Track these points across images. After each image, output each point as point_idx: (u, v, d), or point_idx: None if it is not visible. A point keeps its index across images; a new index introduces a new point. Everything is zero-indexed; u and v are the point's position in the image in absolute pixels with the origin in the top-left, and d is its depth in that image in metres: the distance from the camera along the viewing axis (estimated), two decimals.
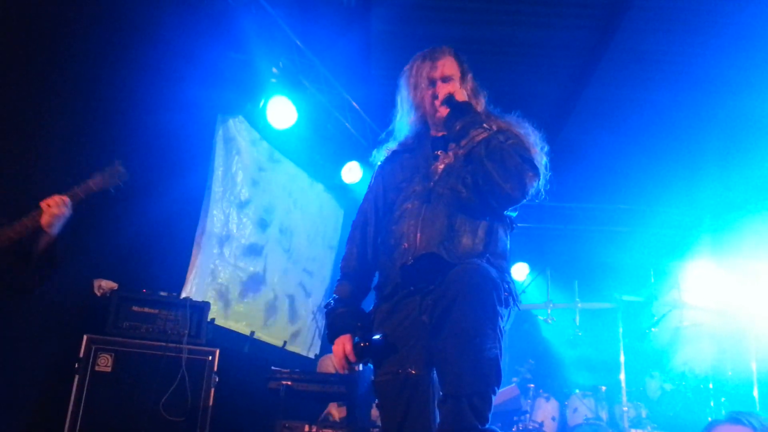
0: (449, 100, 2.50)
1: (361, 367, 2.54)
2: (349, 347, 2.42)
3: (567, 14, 5.42)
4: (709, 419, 4.26)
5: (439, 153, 2.56)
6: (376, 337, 2.41)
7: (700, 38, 5.57)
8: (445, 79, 2.62)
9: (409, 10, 5.44)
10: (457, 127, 2.45)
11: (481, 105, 2.69)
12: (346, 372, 2.48)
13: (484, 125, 2.43)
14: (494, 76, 6.38)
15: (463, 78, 2.67)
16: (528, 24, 5.56)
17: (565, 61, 6.11)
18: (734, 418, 2.66)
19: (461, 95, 2.53)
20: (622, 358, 5.95)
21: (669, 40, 5.62)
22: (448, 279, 2.23)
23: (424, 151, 2.63)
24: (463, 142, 2.42)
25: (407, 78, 2.71)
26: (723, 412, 5.62)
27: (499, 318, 2.23)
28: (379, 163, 2.81)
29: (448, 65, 2.65)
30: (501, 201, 2.42)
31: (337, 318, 2.56)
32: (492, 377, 2.16)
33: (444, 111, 2.53)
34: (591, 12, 5.38)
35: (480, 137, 2.39)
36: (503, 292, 2.28)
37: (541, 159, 2.56)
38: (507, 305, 2.33)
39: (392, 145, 2.78)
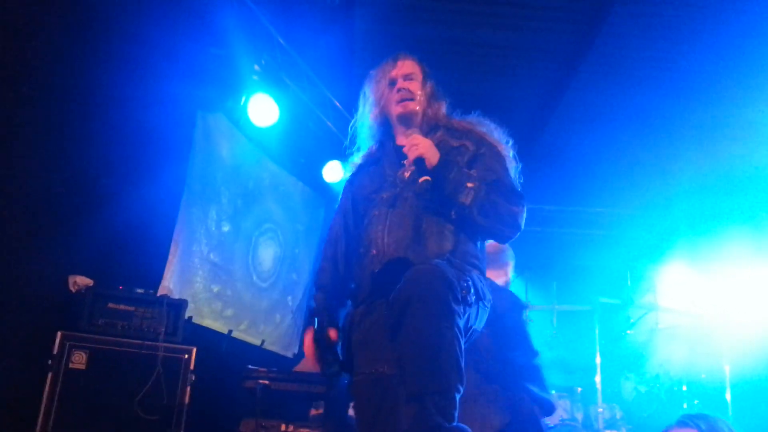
0: (420, 166, 2.44)
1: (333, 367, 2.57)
2: (309, 336, 2.56)
3: (548, 18, 5.44)
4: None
5: (405, 162, 2.57)
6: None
7: (679, 45, 5.63)
8: (407, 77, 2.67)
9: (393, 10, 5.44)
10: (444, 195, 2.45)
11: (441, 109, 2.73)
12: (324, 370, 2.54)
13: (468, 184, 2.43)
14: (475, 79, 6.40)
15: (424, 81, 2.71)
16: (509, 27, 5.58)
17: (546, 65, 6.14)
18: (682, 422, 2.69)
19: (432, 156, 2.46)
20: (598, 360, 6.00)
21: (648, 46, 5.68)
22: (403, 281, 2.24)
23: (389, 159, 2.66)
24: (453, 211, 2.44)
25: (370, 79, 2.79)
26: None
27: (457, 316, 2.20)
28: (347, 178, 2.86)
29: (409, 65, 2.71)
30: (498, 241, 2.62)
31: (310, 320, 2.66)
32: (452, 376, 2.14)
33: (400, 110, 2.63)
34: (572, 16, 5.41)
35: (469, 200, 2.42)
36: (460, 290, 2.26)
37: (509, 153, 2.64)
38: (468, 303, 2.30)
39: (357, 159, 2.82)
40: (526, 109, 6.88)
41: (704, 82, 6.07)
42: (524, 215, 2.51)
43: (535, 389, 3.94)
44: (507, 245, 4.37)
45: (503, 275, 4.42)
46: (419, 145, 2.45)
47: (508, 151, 2.63)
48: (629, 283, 7.48)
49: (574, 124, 7.07)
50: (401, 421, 2.25)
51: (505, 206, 2.45)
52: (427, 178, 2.41)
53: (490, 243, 4.54)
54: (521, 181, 2.67)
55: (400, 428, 2.25)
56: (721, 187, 7.45)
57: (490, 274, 4.29)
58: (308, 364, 2.59)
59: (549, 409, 3.96)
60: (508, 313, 4.08)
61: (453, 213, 2.44)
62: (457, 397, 2.16)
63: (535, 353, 4.10)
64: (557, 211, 8.61)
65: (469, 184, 2.43)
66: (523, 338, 4.11)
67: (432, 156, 2.45)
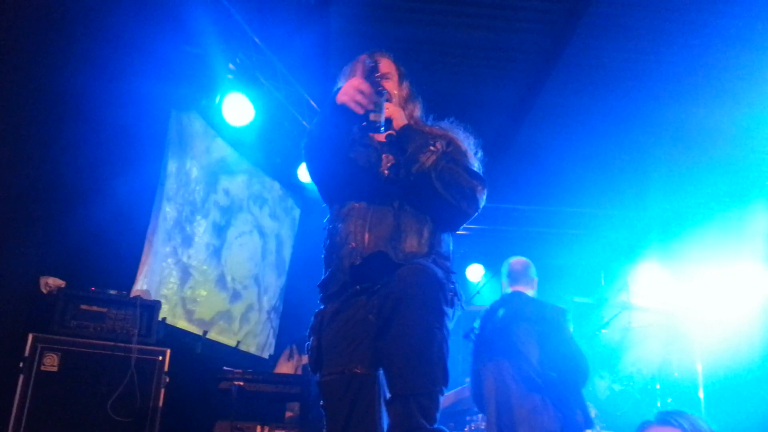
0: (389, 126, 2.51)
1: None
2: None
3: (524, 18, 5.47)
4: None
5: (384, 156, 2.59)
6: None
7: (654, 47, 5.69)
8: (383, 76, 2.63)
9: (369, 10, 5.43)
10: (407, 153, 2.48)
11: (416, 110, 2.74)
12: (373, 98, 2.35)
13: (431, 148, 2.46)
14: (450, 79, 6.42)
15: (400, 80, 2.72)
16: (484, 27, 5.60)
17: (521, 65, 6.17)
18: (664, 420, 2.63)
19: (400, 118, 2.55)
20: None
21: (623, 48, 5.73)
22: (394, 279, 2.25)
23: (371, 149, 2.65)
24: (414, 168, 2.44)
25: (345, 76, 2.74)
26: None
27: (446, 318, 2.25)
28: None
29: (385, 64, 2.69)
30: (457, 219, 2.51)
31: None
32: (439, 377, 2.18)
33: (380, 137, 2.55)
34: (547, 17, 5.45)
35: (430, 161, 2.43)
36: (449, 292, 2.31)
37: (476, 162, 2.64)
38: (452, 305, 2.35)
39: None
40: (502, 109, 6.92)
41: (678, 84, 6.15)
42: (484, 195, 2.50)
43: (579, 398, 4.19)
44: (530, 262, 4.74)
45: (530, 288, 4.65)
46: (389, 108, 2.52)
47: (476, 161, 2.64)
48: (603, 282, 7.57)
49: (549, 124, 7.11)
50: (376, 421, 2.26)
51: (465, 177, 2.45)
52: (392, 131, 2.49)
53: (517, 260, 4.81)
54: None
55: (375, 428, 2.25)
56: (695, 188, 7.56)
57: (522, 288, 4.62)
58: (353, 88, 2.35)
59: (589, 421, 4.12)
60: (561, 325, 4.35)
61: (412, 173, 2.44)
62: (441, 398, 2.18)
63: (584, 358, 4.25)
64: (531, 210, 8.67)
65: (432, 148, 2.46)
66: (575, 346, 4.29)
67: (400, 118, 2.54)
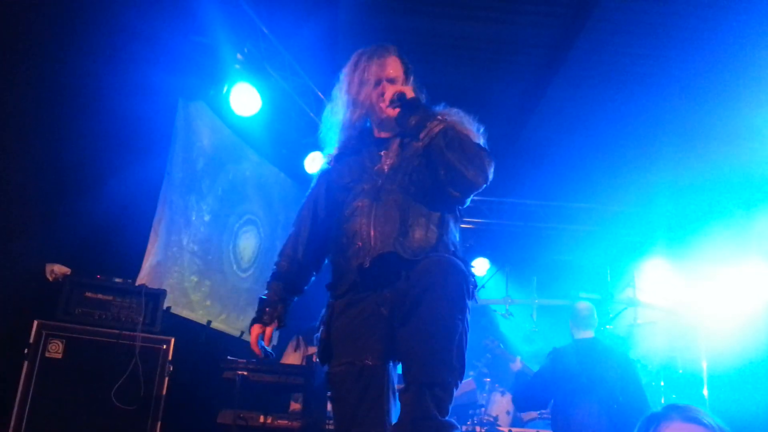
0: (401, 97, 2.53)
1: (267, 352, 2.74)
2: (256, 332, 2.64)
3: (533, 11, 5.44)
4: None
5: (382, 153, 2.61)
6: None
7: (664, 44, 5.66)
8: (391, 80, 2.66)
9: (377, 1, 5.41)
10: (413, 122, 2.48)
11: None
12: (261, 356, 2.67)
13: (438, 117, 2.47)
14: (458, 72, 6.39)
15: (406, 79, 2.71)
16: (493, 20, 5.58)
17: (530, 59, 6.14)
18: (690, 417, 2.41)
19: (411, 92, 2.56)
20: None
21: (633, 43, 5.70)
22: (418, 270, 2.26)
23: (369, 151, 2.66)
24: (422, 135, 2.45)
25: (351, 73, 2.74)
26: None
27: (467, 310, 2.27)
28: (323, 168, 2.84)
29: (393, 66, 2.69)
30: (464, 188, 2.46)
31: (260, 313, 2.71)
32: (457, 369, 2.19)
33: (392, 112, 2.55)
34: (557, 11, 5.42)
35: (438, 128, 2.43)
36: (471, 285, 2.34)
37: (480, 140, 2.63)
38: (473, 297, 2.37)
39: (331, 151, 2.80)
40: (509, 102, 6.89)
41: (687, 82, 6.11)
42: (491, 167, 2.48)
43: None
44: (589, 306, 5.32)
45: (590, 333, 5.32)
46: (393, 87, 2.58)
47: (479, 139, 2.63)
48: (609, 278, 7.54)
49: (556, 119, 7.09)
50: (385, 412, 2.28)
51: (474, 147, 2.45)
52: (404, 91, 2.53)
53: (584, 305, 5.30)
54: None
55: (383, 418, 2.26)
56: (702, 186, 7.51)
57: (592, 332, 5.29)
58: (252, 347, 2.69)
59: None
60: (636, 375, 5.15)
61: (421, 138, 2.45)
62: (455, 391, 2.20)
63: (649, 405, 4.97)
64: (538, 205, 8.63)
65: (439, 117, 2.48)
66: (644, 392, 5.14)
67: (409, 91, 2.55)
